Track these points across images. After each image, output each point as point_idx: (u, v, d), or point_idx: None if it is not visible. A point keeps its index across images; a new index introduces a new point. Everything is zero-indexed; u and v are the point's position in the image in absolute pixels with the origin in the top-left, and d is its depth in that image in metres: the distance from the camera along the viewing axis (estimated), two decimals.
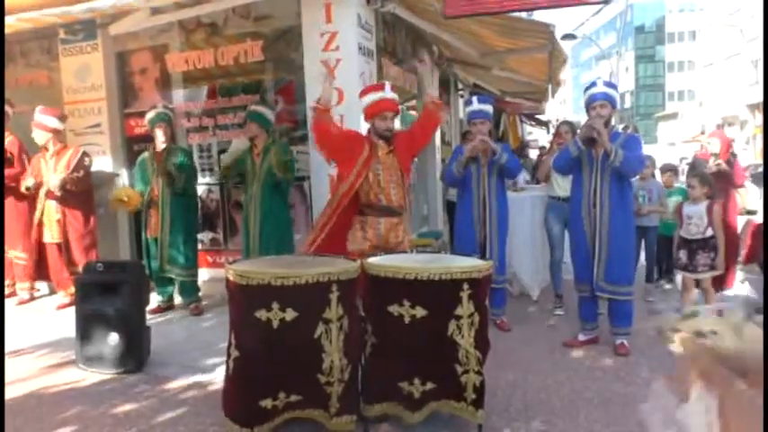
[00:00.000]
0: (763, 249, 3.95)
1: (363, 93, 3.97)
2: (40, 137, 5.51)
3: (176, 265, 5.22)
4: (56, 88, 6.41)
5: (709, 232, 4.58)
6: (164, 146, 5.23)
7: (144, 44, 6.18)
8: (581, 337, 4.29)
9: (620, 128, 4.38)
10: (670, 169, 6.38)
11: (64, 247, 5.56)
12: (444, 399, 2.85)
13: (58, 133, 5.61)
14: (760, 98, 32.78)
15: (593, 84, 4.24)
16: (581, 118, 5.18)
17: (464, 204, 4.73)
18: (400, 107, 4.95)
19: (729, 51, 38.74)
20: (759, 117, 33.83)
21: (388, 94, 3.84)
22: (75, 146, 5.84)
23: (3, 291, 5.20)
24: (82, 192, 5.58)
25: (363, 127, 4.18)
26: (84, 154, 5.65)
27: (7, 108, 5.97)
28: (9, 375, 3.86)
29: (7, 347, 4.42)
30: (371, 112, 3.84)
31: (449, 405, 2.86)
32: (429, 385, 2.79)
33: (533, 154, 13.25)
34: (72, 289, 4.96)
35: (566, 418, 3.11)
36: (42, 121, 5.49)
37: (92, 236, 5.70)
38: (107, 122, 6.22)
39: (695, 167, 6.56)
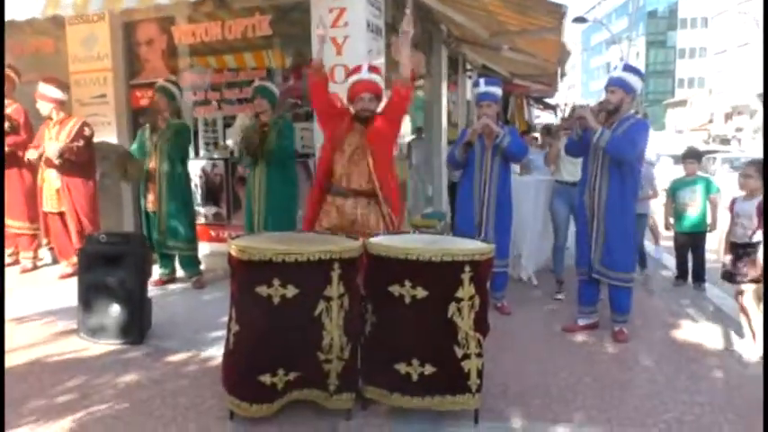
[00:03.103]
0: (764, 247, 3.78)
1: (346, 76, 3.94)
2: (43, 107, 5.50)
3: (175, 238, 5.24)
4: (61, 57, 6.36)
5: (758, 237, 3.80)
6: (162, 117, 5.21)
7: (150, 15, 6.11)
8: (580, 322, 4.30)
9: (631, 112, 4.28)
10: (693, 156, 5.71)
11: (69, 217, 5.57)
12: (449, 394, 2.80)
13: (61, 103, 5.58)
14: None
15: (616, 66, 4.20)
16: (591, 102, 5.10)
17: (465, 186, 4.72)
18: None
19: (742, 39, 38.28)
20: None
21: (365, 75, 3.77)
22: (78, 116, 5.82)
23: (3, 272, 5.18)
24: (82, 162, 5.56)
25: None
26: (84, 124, 5.61)
27: (13, 75, 5.94)
28: (12, 343, 3.90)
29: (10, 315, 4.46)
30: (351, 95, 3.81)
31: (453, 402, 2.81)
32: (428, 368, 2.79)
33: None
34: (74, 259, 4.98)
35: (563, 403, 3.13)
36: (45, 92, 5.46)
37: (92, 206, 5.69)
38: (112, 93, 6.19)
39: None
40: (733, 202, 4.19)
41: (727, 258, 4.02)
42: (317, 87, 3.87)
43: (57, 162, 5.39)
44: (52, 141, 5.43)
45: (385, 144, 3.85)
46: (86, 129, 5.59)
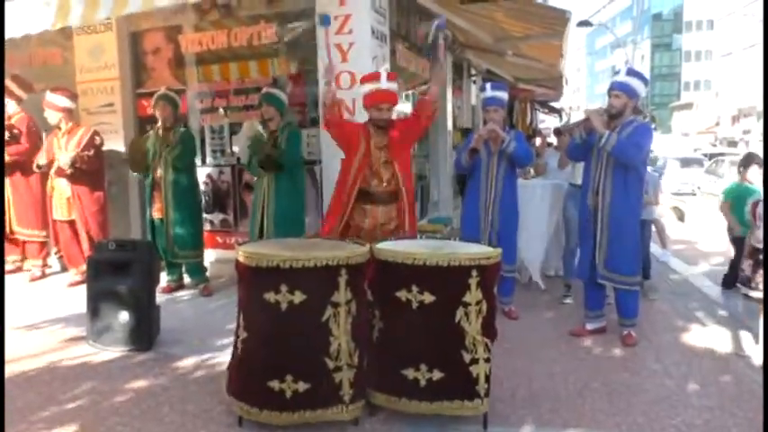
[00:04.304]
0: (764, 247, 3.72)
1: (362, 80, 3.97)
2: (51, 116, 5.55)
3: (181, 246, 5.27)
4: (69, 67, 6.42)
5: None
6: (165, 127, 5.25)
7: (157, 24, 6.17)
8: (588, 326, 4.29)
9: (638, 117, 4.28)
10: (753, 162, 5.23)
11: (79, 225, 5.60)
12: (458, 399, 2.80)
13: (69, 112, 5.62)
14: None
15: (618, 71, 4.25)
16: (596, 106, 5.08)
17: (472, 191, 4.74)
18: (411, 92, 4.92)
19: (748, 41, 38.13)
20: None
21: (384, 84, 3.79)
22: (87, 125, 5.87)
23: (3, 282, 5.16)
24: (92, 171, 5.61)
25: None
26: (95, 133, 5.67)
27: (21, 93, 6.01)
28: (22, 350, 3.93)
29: (20, 322, 4.49)
30: (368, 103, 3.85)
31: (462, 407, 2.80)
32: (436, 373, 2.79)
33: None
34: (83, 267, 5.02)
35: (571, 407, 3.12)
36: (53, 101, 5.52)
37: (102, 215, 5.74)
38: (120, 102, 6.24)
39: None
40: (755, 205, 4.10)
41: (747, 263, 3.93)
42: (332, 121, 3.95)
43: (68, 171, 5.43)
44: (62, 151, 5.48)
45: (405, 150, 3.97)
46: (97, 138, 5.65)
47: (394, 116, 3.99)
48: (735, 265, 5.36)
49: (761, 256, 3.87)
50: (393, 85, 3.84)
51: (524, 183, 5.48)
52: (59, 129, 5.60)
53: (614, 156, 3.93)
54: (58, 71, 6.54)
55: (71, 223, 5.64)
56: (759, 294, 3.88)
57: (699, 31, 60.68)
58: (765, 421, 2.79)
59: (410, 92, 8.57)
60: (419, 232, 5.94)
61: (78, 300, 4.44)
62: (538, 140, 9.11)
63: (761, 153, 6.27)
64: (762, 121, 35.98)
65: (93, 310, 3.98)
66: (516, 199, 4.72)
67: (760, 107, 36.23)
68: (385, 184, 3.85)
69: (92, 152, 5.54)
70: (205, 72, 6.19)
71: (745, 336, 4.20)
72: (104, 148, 5.79)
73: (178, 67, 6.27)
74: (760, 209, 4.03)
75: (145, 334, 3.95)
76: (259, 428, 2.81)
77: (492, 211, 4.59)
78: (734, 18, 41.95)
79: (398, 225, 3.89)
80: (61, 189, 5.58)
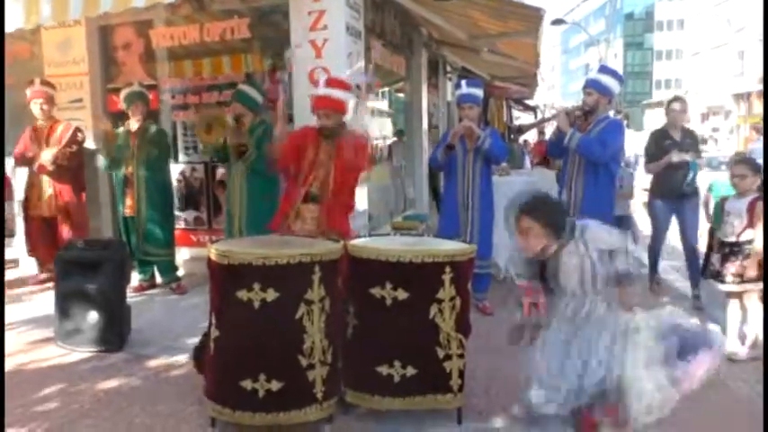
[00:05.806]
0: (764, 246, 3.77)
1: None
2: (35, 108, 5.39)
3: (152, 244, 5.20)
4: (36, 62, 6.27)
5: (747, 235, 3.72)
6: (138, 124, 5.17)
7: (128, 19, 6.05)
8: None
9: (611, 114, 4.35)
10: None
11: (61, 223, 5.46)
12: (431, 394, 2.81)
13: (51, 98, 5.48)
14: (745, 88, 33.07)
15: (593, 69, 4.34)
16: (570, 103, 5.14)
17: (449, 188, 4.76)
18: (387, 90, 4.87)
19: (716, 41, 38.94)
20: (743, 107, 34.15)
21: (321, 91, 3.66)
22: (66, 121, 5.73)
23: (2, 290, 5.00)
24: (74, 167, 5.51)
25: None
26: (78, 129, 5.57)
27: None
28: None
29: None
30: (311, 108, 3.72)
31: (435, 401, 2.83)
32: (410, 370, 2.79)
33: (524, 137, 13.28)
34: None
35: None
36: (36, 89, 5.39)
37: (83, 211, 5.63)
38: (89, 97, 6.11)
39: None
40: (724, 199, 4.07)
41: (715, 257, 3.94)
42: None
43: (50, 168, 5.31)
44: (44, 148, 5.36)
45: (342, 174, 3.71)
46: (79, 134, 5.56)
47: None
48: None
49: (728, 250, 3.89)
50: (333, 92, 3.64)
51: (498, 180, 5.51)
52: (37, 125, 5.46)
53: (580, 153, 4.01)
54: (25, 65, 6.38)
55: (47, 220, 5.49)
56: (727, 288, 3.91)
57: (670, 31, 61.78)
58: (765, 421, 2.83)
59: (386, 89, 8.57)
60: (393, 229, 5.98)
61: (47, 300, 4.34)
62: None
63: (733, 151, 6.35)
64: (729, 119, 36.77)
65: (62, 310, 3.91)
66: (492, 195, 4.75)
67: (728, 106, 37.04)
68: (319, 182, 3.68)
69: (74, 148, 5.44)
70: (177, 67, 6.11)
71: (712, 328, 4.27)
72: None
73: (149, 62, 6.17)
74: (728, 204, 3.99)
75: (115, 334, 3.88)
76: (232, 429, 2.78)
77: (469, 208, 4.61)
78: (703, 18, 42.78)
79: (320, 224, 3.68)
80: (43, 186, 5.44)
